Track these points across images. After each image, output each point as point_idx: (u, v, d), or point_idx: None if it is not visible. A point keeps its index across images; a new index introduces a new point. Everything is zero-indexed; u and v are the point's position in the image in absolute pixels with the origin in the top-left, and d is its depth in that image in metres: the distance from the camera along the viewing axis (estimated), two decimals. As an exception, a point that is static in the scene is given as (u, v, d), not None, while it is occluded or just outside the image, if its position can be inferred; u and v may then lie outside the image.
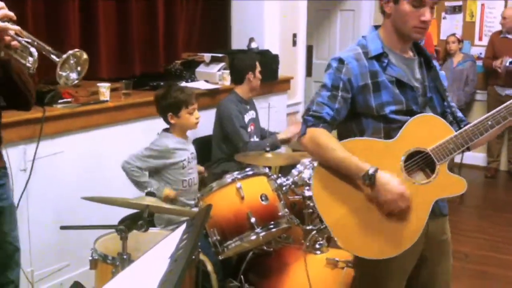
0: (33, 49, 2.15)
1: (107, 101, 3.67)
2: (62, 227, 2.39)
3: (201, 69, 4.73)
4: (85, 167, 3.51)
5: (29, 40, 2.15)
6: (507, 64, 5.97)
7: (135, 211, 2.95)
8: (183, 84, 4.25)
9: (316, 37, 7.14)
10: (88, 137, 3.54)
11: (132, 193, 3.09)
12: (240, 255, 3.01)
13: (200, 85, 4.43)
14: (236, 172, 2.85)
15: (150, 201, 2.43)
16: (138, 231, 2.27)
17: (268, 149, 3.31)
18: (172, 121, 3.20)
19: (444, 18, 6.85)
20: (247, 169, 2.90)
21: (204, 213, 1.87)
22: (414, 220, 2.06)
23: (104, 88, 3.68)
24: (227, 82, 4.56)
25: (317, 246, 2.92)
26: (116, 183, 3.28)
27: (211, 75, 4.63)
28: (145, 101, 3.79)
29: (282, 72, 5.23)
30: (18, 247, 2.53)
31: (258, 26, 5.22)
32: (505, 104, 2.08)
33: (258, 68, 4.07)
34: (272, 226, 2.76)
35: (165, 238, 1.53)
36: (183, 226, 1.55)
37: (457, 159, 5.37)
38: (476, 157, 6.48)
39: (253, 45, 5.07)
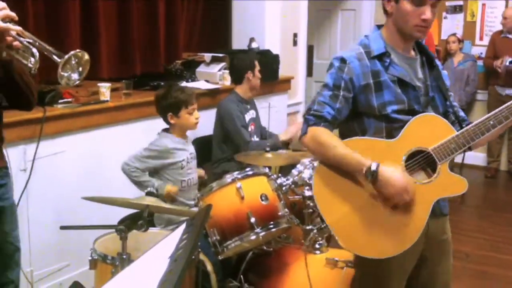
0: (34, 50, 2.15)
1: (107, 101, 3.67)
2: (62, 227, 2.39)
3: (201, 69, 4.73)
4: (85, 167, 3.51)
5: (31, 41, 2.15)
6: (507, 63, 5.97)
7: (135, 211, 2.96)
8: (184, 84, 4.25)
9: (317, 37, 7.14)
10: (88, 137, 3.54)
11: (132, 193, 3.09)
12: (240, 255, 3.01)
13: (201, 85, 4.43)
14: (236, 172, 2.85)
15: (150, 201, 2.43)
16: (138, 231, 2.27)
17: (268, 149, 3.31)
18: (171, 121, 3.20)
19: (445, 17, 6.84)
20: (247, 169, 2.90)
21: (204, 213, 1.87)
22: (415, 220, 2.06)
23: (105, 88, 3.68)
24: (227, 82, 4.56)
25: (317, 246, 2.92)
26: (116, 183, 3.28)
27: (212, 75, 4.63)
28: (146, 101, 3.79)
29: (282, 72, 5.23)
30: (19, 247, 2.53)
31: (259, 26, 5.23)
32: (507, 104, 2.08)
33: (257, 67, 4.06)
34: (272, 226, 2.76)
35: (165, 238, 1.53)
36: (183, 226, 1.55)
37: (459, 159, 5.36)
38: (476, 157, 6.47)
39: (254, 45, 5.07)
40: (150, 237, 2.55)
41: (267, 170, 3.00)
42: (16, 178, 2.98)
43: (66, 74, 2.15)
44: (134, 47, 4.36)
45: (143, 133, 3.65)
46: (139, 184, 3.11)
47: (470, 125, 2.09)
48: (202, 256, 2.72)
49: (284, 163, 3.47)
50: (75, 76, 2.19)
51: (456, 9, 6.78)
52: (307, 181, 2.98)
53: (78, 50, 2.18)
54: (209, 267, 2.79)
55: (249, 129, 3.97)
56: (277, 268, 2.94)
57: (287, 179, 3.03)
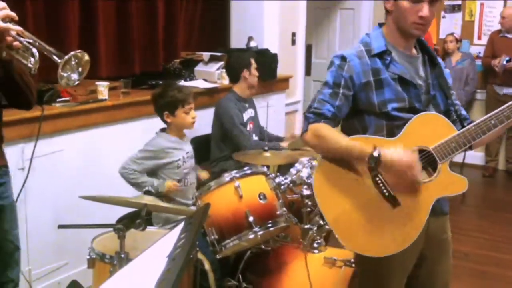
0: (34, 50, 2.16)
1: (105, 100, 3.66)
2: (60, 226, 2.39)
3: (200, 68, 4.72)
4: (84, 166, 3.51)
5: (31, 41, 2.16)
6: (504, 62, 5.98)
7: (133, 210, 2.95)
8: (182, 83, 4.25)
9: (316, 36, 7.13)
10: (86, 136, 3.53)
11: (130, 192, 3.09)
12: (238, 254, 3.00)
13: (199, 84, 4.42)
14: (235, 171, 2.85)
15: (148, 199, 2.43)
16: (136, 230, 2.27)
17: (266, 148, 3.30)
18: (168, 120, 3.19)
19: (444, 17, 6.84)
20: (245, 168, 2.90)
21: (202, 212, 1.86)
22: (415, 218, 2.06)
23: (103, 87, 3.67)
24: (225, 81, 4.54)
25: (315, 245, 2.92)
26: (114, 182, 3.27)
27: (210, 74, 4.62)
28: (144, 100, 3.78)
29: (281, 71, 5.22)
30: (19, 246, 2.52)
31: (257, 25, 5.22)
32: (508, 104, 2.08)
33: (254, 65, 4.05)
34: (270, 225, 2.75)
35: (163, 237, 1.52)
36: (181, 225, 1.55)
37: (459, 158, 5.37)
38: (474, 156, 6.47)
39: (252, 44, 5.07)
40: (148, 236, 2.55)
41: (265, 169, 3.00)
42: (14, 176, 2.96)
43: (66, 75, 2.15)
44: (133, 47, 4.35)
45: (141, 132, 3.65)
46: (138, 186, 3.10)
47: (471, 124, 2.09)
48: (200, 255, 2.72)
49: (283, 162, 3.47)
50: (74, 76, 2.19)
51: (455, 8, 6.78)
52: (306, 180, 2.98)
53: (78, 51, 2.19)
54: (207, 266, 2.79)
55: (248, 128, 3.96)
56: (275, 267, 2.94)
57: (285, 178, 3.03)
